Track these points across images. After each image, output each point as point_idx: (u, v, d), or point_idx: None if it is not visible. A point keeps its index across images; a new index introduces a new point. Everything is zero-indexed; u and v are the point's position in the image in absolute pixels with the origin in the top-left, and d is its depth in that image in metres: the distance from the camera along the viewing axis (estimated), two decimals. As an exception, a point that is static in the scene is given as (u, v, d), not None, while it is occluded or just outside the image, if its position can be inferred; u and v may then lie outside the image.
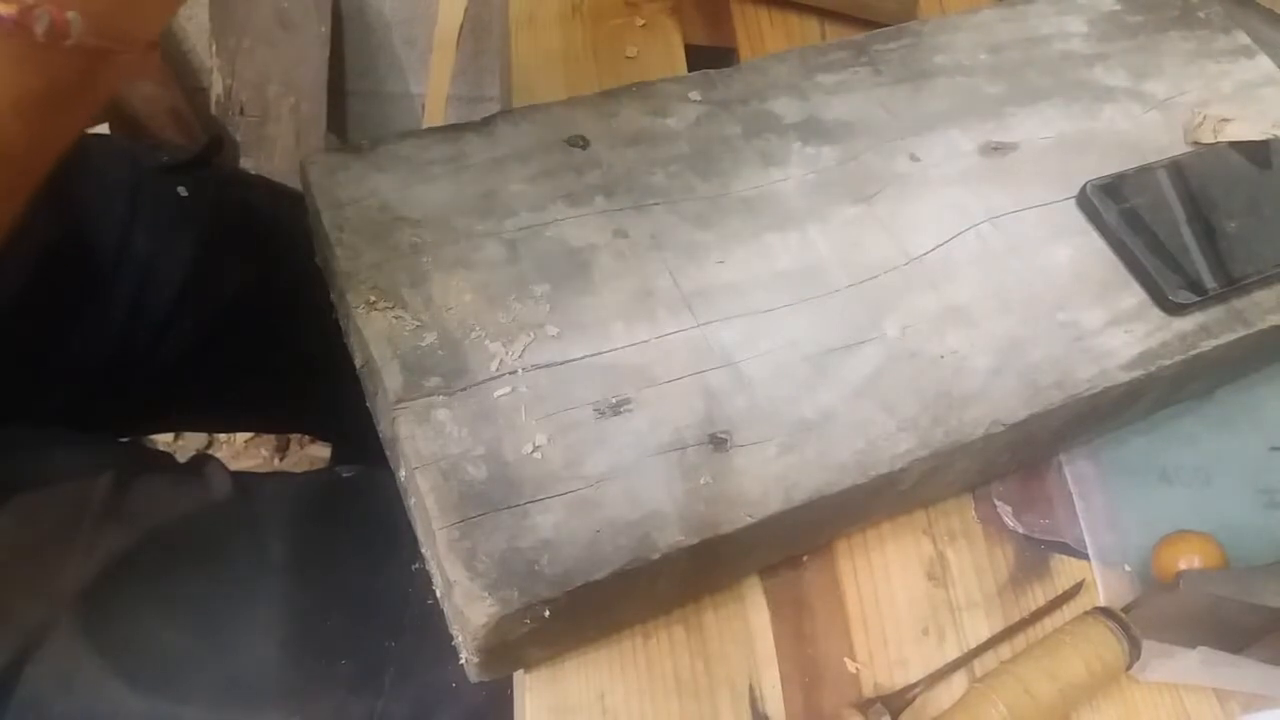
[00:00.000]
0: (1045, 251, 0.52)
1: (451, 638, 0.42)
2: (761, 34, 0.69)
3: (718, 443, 0.43)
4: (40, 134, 0.35)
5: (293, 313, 0.69)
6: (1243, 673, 0.46)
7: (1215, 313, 0.51)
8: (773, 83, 0.57)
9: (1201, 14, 0.65)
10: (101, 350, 0.65)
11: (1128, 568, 0.50)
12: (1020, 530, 0.51)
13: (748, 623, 0.46)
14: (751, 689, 0.45)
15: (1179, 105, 0.60)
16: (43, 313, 0.62)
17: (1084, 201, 0.54)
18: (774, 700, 0.44)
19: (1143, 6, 0.65)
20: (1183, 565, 0.47)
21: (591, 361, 0.45)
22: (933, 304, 0.49)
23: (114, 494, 0.54)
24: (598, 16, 0.68)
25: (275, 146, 1.20)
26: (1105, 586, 0.49)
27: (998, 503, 0.51)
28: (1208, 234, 0.54)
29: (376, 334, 0.44)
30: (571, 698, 0.43)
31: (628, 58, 0.66)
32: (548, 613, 0.39)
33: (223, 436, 1.30)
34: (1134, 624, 0.44)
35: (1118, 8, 0.64)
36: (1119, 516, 0.51)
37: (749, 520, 0.42)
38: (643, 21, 0.68)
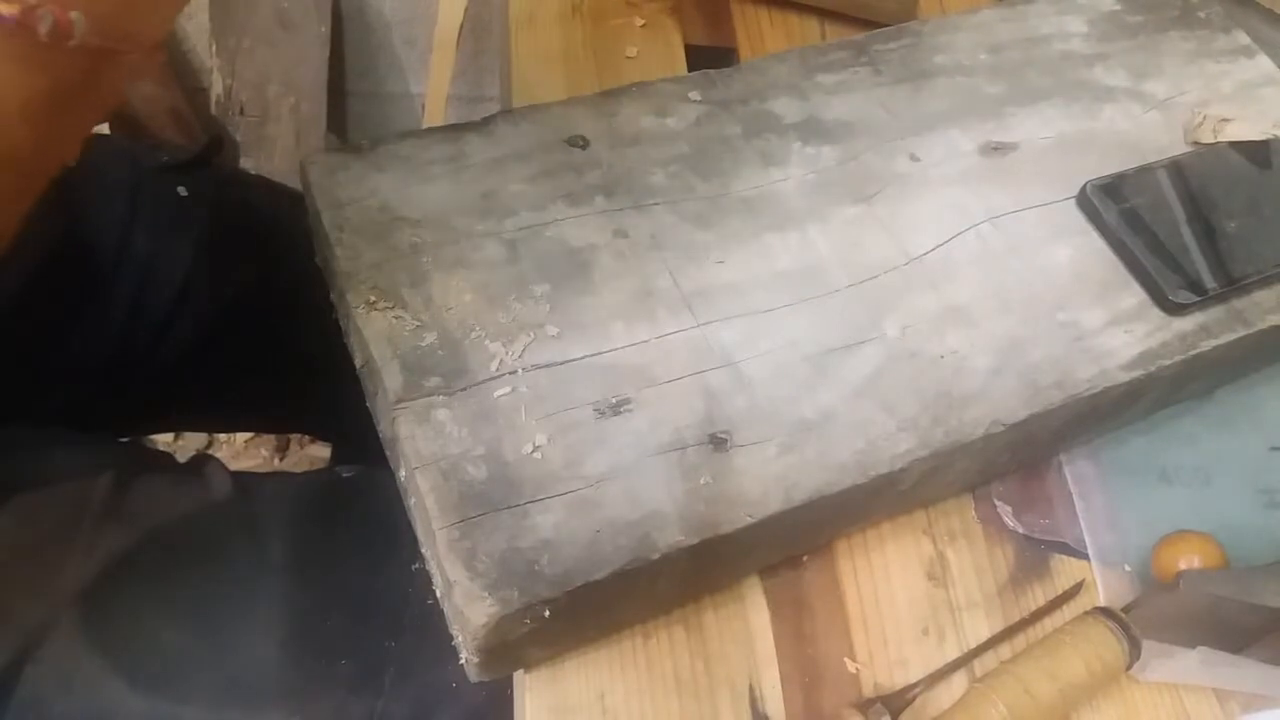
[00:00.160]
0: (1045, 251, 0.52)
1: (451, 638, 0.42)
2: (761, 34, 0.69)
3: (718, 443, 0.43)
4: (46, 136, 0.35)
5: (293, 313, 0.69)
6: (1243, 673, 0.46)
7: (1215, 313, 0.51)
8: (773, 83, 0.57)
9: (1201, 14, 0.65)
10: (101, 350, 0.65)
11: (1128, 568, 0.50)
12: (1020, 530, 0.51)
13: (748, 623, 0.46)
14: (751, 689, 0.45)
15: (1179, 105, 0.60)
16: (43, 313, 0.62)
17: (1084, 201, 0.54)
18: (774, 700, 0.44)
19: (1143, 6, 0.65)
20: (1183, 565, 0.47)
21: (591, 361, 0.45)
22: (933, 304, 0.49)
23: (114, 494, 0.54)
24: (598, 16, 0.68)
25: (275, 146, 1.20)
26: (1105, 586, 0.49)
27: (998, 503, 0.51)
28: (1208, 234, 0.54)
29: (376, 334, 0.44)
30: (571, 698, 0.43)
31: (628, 58, 0.66)
32: (548, 613, 0.39)
33: (223, 436, 1.30)
34: (1134, 624, 0.44)
35: (1118, 8, 0.64)
36: (1119, 516, 0.51)
37: (749, 520, 0.42)
38: (643, 21, 0.68)
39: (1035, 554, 0.50)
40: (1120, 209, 0.53)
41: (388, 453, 0.45)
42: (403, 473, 0.43)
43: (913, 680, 0.45)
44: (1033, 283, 0.51)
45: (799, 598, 0.47)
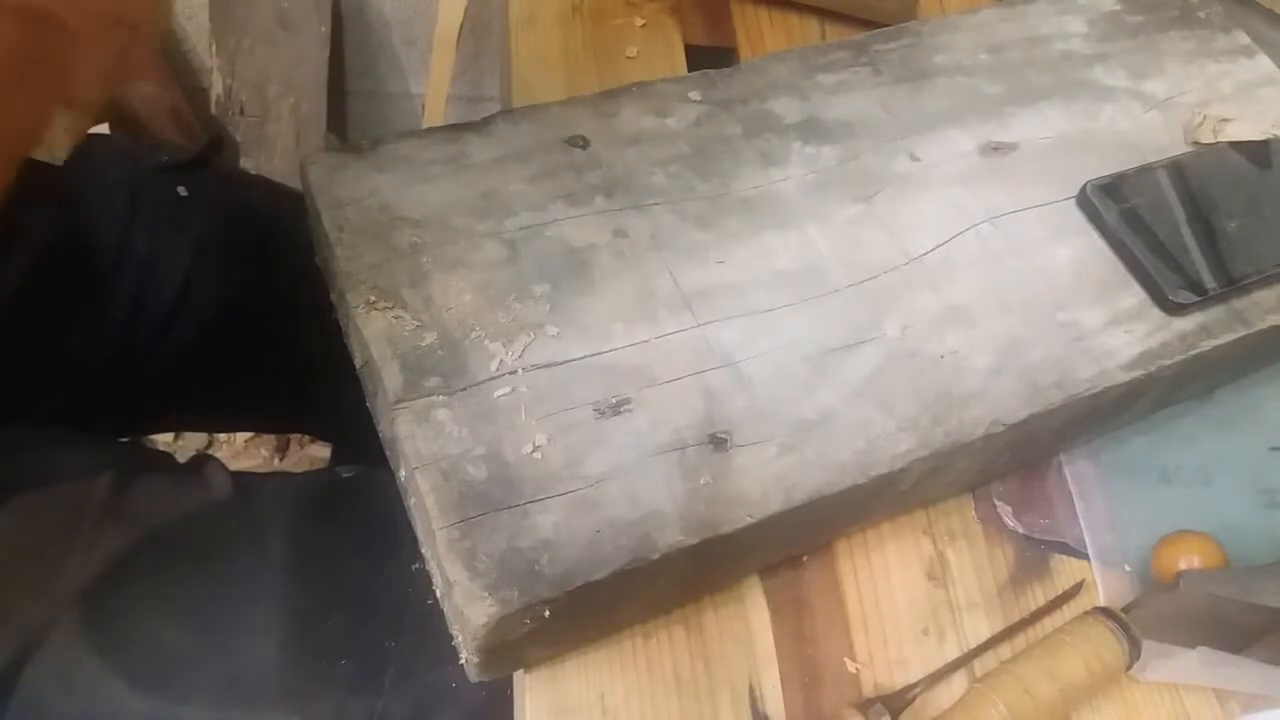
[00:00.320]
0: (1045, 251, 0.52)
1: (451, 638, 0.42)
2: (761, 34, 0.69)
3: (718, 443, 0.43)
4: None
5: (293, 313, 0.69)
6: (1243, 673, 0.46)
7: (1215, 313, 0.51)
8: (773, 83, 0.57)
9: (1201, 14, 0.65)
10: (101, 350, 0.65)
11: (1128, 568, 0.50)
12: (1020, 530, 0.51)
13: (748, 623, 0.46)
14: (751, 689, 0.45)
15: (1179, 105, 0.60)
16: (43, 313, 0.62)
17: (1084, 201, 0.54)
18: (774, 700, 0.44)
19: (1143, 6, 0.64)
20: (1183, 565, 0.47)
21: (591, 361, 0.45)
22: (933, 304, 0.49)
23: (114, 494, 0.54)
24: (598, 16, 0.68)
25: (275, 146, 1.20)
26: (1105, 586, 0.49)
27: (998, 503, 0.51)
28: (1208, 234, 0.54)
29: (376, 334, 0.44)
30: (571, 698, 0.43)
31: (628, 58, 0.66)
32: (548, 613, 0.39)
33: (223, 436, 1.30)
34: (1134, 624, 0.44)
35: (1118, 8, 0.64)
36: (1119, 516, 0.51)
37: (749, 520, 0.42)
38: (643, 21, 0.68)
39: (1035, 554, 0.50)
40: (1120, 209, 0.53)
41: (388, 453, 0.45)
42: (403, 473, 0.43)
43: (913, 680, 0.45)
44: (1033, 283, 0.51)
45: (799, 598, 0.47)
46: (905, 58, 0.59)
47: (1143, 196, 0.54)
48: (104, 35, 0.35)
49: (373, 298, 0.45)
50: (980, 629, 0.48)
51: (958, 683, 0.46)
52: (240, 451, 1.30)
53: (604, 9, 0.68)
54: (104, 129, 0.64)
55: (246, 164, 1.20)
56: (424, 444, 0.41)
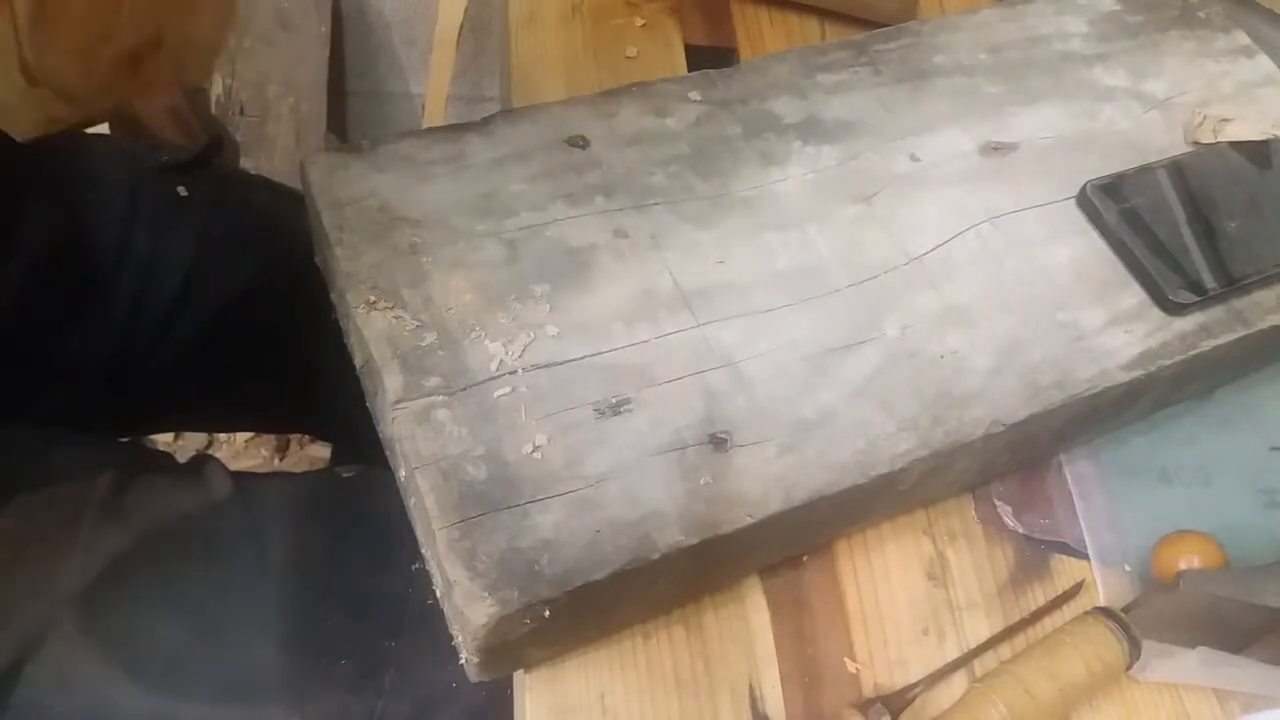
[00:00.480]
0: (1045, 251, 0.52)
1: (451, 638, 0.42)
2: (761, 34, 0.69)
3: (718, 443, 0.43)
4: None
5: (293, 313, 0.69)
6: (1243, 673, 0.46)
7: (1215, 313, 0.51)
8: (773, 83, 0.57)
9: (1201, 14, 0.65)
10: (101, 350, 0.65)
11: (1128, 568, 0.50)
12: (1020, 530, 0.51)
13: (748, 623, 0.46)
14: (751, 689, 0.45)
15: (1179, 105, 0.60)
16: (43, 313, 0.62)
17: (1084, 201, 0.54)
18: (774, 700, 0.44)
19: (1143, 6, 0.64)
20: (1183, 565, 0.47)
21: (591, 361, 0.44)
22: (933, 304, 0.49)
23: (114, 494, 0.54)
24: (598, 16, 0.68)
25: (275, 146, 1.20)
26: (1105, 586, 0.49)
27: (998, 503, 0.51)
28: (1208, 234, 0.54)
29: (376, 334, 0.44)
30: (571, 698, 0.43)
31: (628, 58, 0.66)
32: (548, 613, 0.39)
33: (223, 436, 1.30)
34: (1134, 624, 0.44)
35: (1118, 8, 0.64)
36: (1119, 516, 0.51)
37: (749, 520, 0.42)
38: (643, 21, 0.68)
39: (1035, 554, 0.50)
40: (1120, 209, 0.53)
41: (388, 453, 0.45)
42: (403, 473, 0.43)
43: (913, 680, 0.45)
44: (1033, 283, 0.51)
45: (799, 598, 0.47)
46: (905, 58, 0.59)
47: (1143, 196, 0.54)
48: None
49: (373, 298, 0.45)
50: (980, 629, 0.48)
51: (958, 683, 0.46)
52: (240, 451, 1.30)
53: (604, 9, 0.68)
54: (104, 129, 0.64)
55: (246, 164, 1.20)
56: (424, 444, 0.41)
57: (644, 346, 0.45)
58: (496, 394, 0.43)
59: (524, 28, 0.67)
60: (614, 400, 0.44)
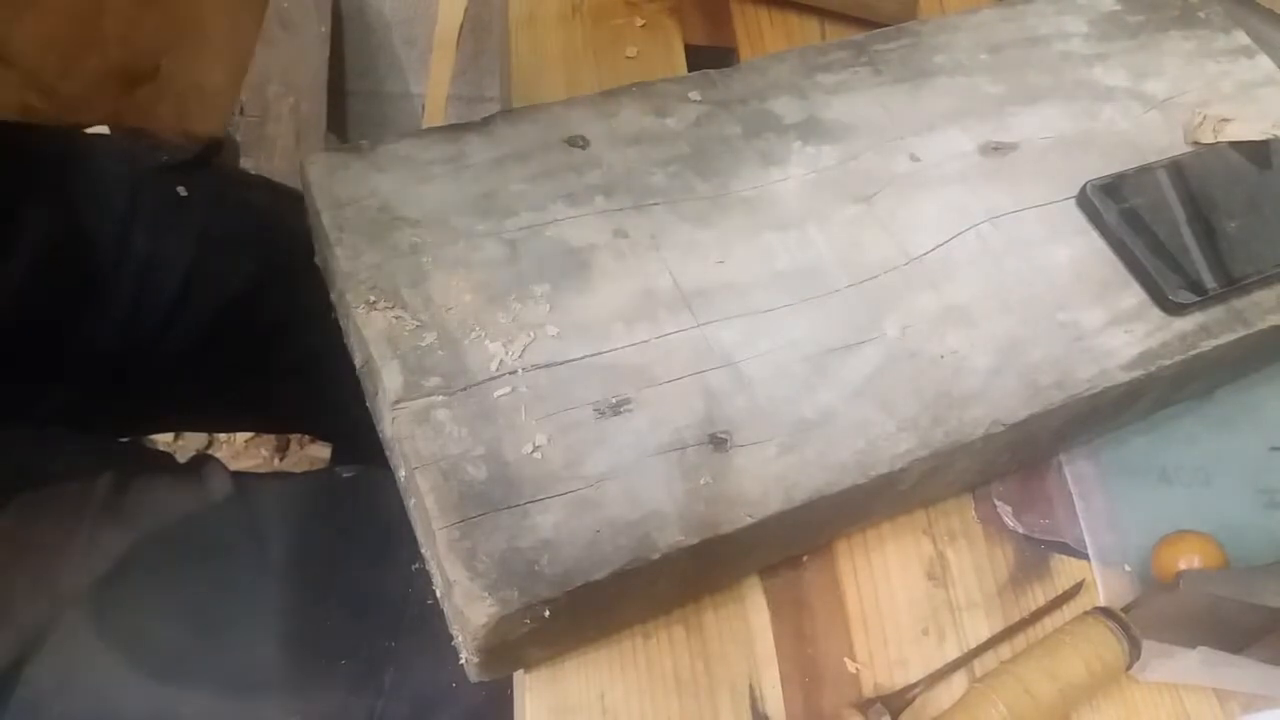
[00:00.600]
0: (1045, 251, 0.52)
1: (451, 638, 0.42)
2: (761, 34, 0.69)
3: (718, 443, 0.43)
4: None
5: (293, 313, 0.69)
6: (1243, 673, 0.46)
7: (1215, 313, 0.51)
8: (773, 83, 0.57)
9: (1201, 14, 0.65)
10: (101, 350, 0.65)
11: (1128, 568, 0.50)
12: (1020, 530, 0.51)
13: (748, 623, 0.46)
14: (751, 689, 0.45)
15: (1179, 105, 0.60)
16: (43, 312, 0.62)
17: (1084, 201, 0.54)
18: (774, 700, 0.44)
19: (1143, 6, 0.64)
20: (1183, 565, 0.47)
21: (591, 361, 0.44)
22: (933, 304, 0.49)
23: (114, 494, 0.54)
24: (598, 16, 0.68)
25: (275, 146, 1.20)
26: (1105, 586, 0.49)
27: (998, 503, 0.51)
28: (1208, 234, 0.54)
29: (376, 334, 0.44)
30: (571, 698, 0.43)
31: (628, 58, 0.66)
32: (548, 613, 0.39)
33: (223, 436, 1.30)
34: (1134, 624, 0.44)
35: (1118, 8, 0.64)
36: (1119, 516, 0.51)
37: (749, 520, 0.42)
38: (643, 21, 0.68)
39: (1035, 554, 0.50)
40: (1120, 209, 0.53)
41: (388, 453, 0.45)
42: (403, 473, 0.43)
43: (913, 680, 0.45)
44: (1033, 283, 0.51)
45: (799, 598, 0.47)
46: (905, 58, 0.59)
47: (1143, 196, 0.54)
48: None
49: (373, 298, 0.45)
50: (980, 629, 0.48)
51: (958, 683, 0.46)
52: (240, 451, 1.30)
53: (604, 9, 0.68)
54: (104, 129, 0.64)
55: (246, 164, 1.20)
56: (424, 444, 0.41)
57: (644, 346, 0.45)
58: (496, 394, 0.43)
59: (524, 28, 0.67)
60: (614, 400, 0.44)
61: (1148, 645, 0.45)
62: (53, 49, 0.37)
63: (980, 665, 0.46)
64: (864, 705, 0.44)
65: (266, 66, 1.18)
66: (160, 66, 0.39)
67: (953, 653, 0.47)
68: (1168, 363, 0.49)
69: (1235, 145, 0.57)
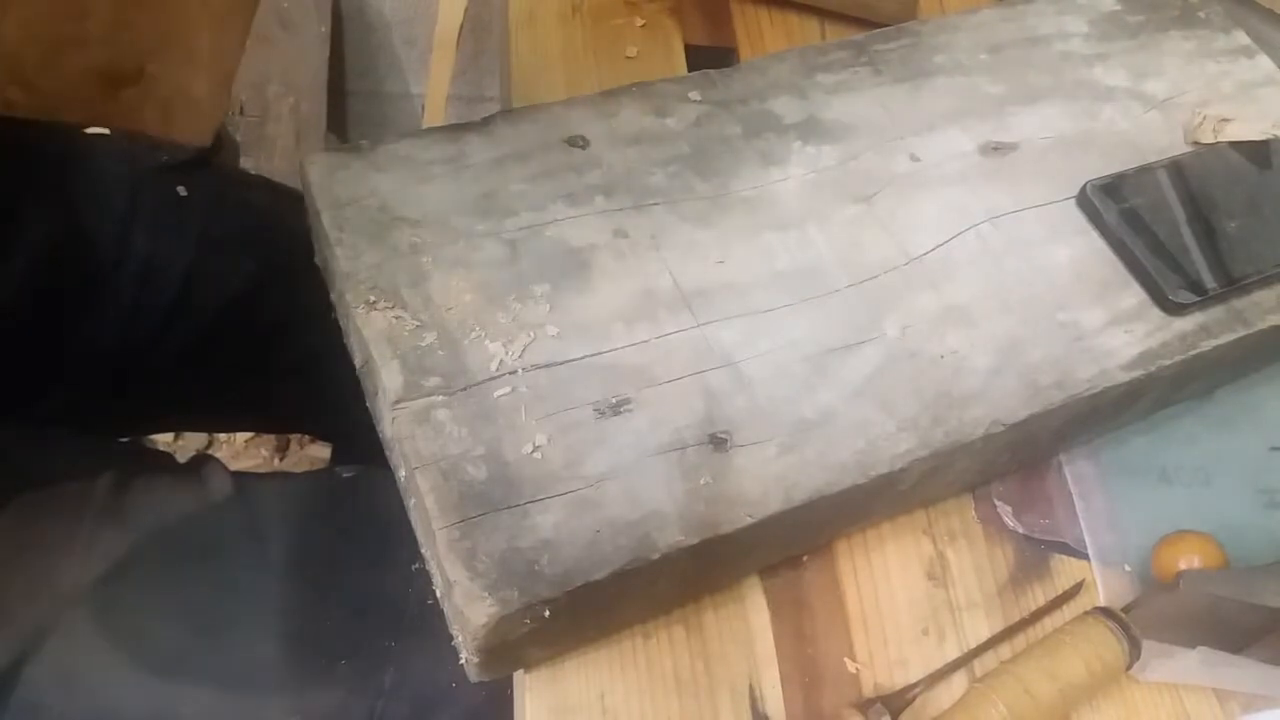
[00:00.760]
0: (1045, 251, 0.52)
1: (451, 638, 0.42)
2: (761, 34, 0.69)
3: (718, 443, 0.43)
4: None
5: (293, 313, 0.69)
6: (1243, 673, 0.46)
7: (1215, 313, 0.51)
8: (773, 83, 0.57)
9: (1201, 14, 0.65)
10: (101, 350, 0.65)
11: (1128, 568, 0.50)
12: (1020, 530, 0.51)
13: (748, 623, 0.46)
14: (751, 689, 0.45)
15: (1179, 105, 0.60)
16: (43, 313, 0.62)
17: (1084, 201, 0.54)
18: (774, 700, 0.44)
19: (1143, 6, 0.64)
20: (1183, 565, 0.47)
21: (591, 361, 0.44)
22: (933, 304, 0.49)
23: (114, 494, 0.54)
24: (598, 16, 0.68)
25: (275, 146, 1.20)
26: (1105, 586, 0.49)
27: (998, 503, 0.51)
28: (1208, 234, 0.54)
29: (376, 334, 0.44)
30: (571, 698, 0.43)
31: (628, 58, 0.66)
32: (548, 613, 0.39)
33: (223, 436, 1.30)
34: (1134, 624, 0.44)
35: (1118, 8, 0.64)
36: (1119, 516, 0.51)
37: (749, 520, 0.42)
38: (643, 21, 0.68)
39: (1035, 554, 0.50)
40: (1120, 209, 0.53)
41: (388, 453, 0.45)
42: (403, 473, 0.43)
43: (913, 680, 0.45)
44: (1033, 283, 0.51)
45: (799, 598, 0.47)
46: (905, 58, 0.59)
47: (1143, 196, 0.54)
48: None
49: (373, 298, 0.45)
50: (980, 629, 0.48)
51: (958, 683, 0.46)
52: (240, 451, 1.30)
53: (604, 9, 0.68)
54: (104, 129, 0.64)
55: (246, 164, 1.20)
56: (424, 444, 0.41)
57: (644, 346, 0.45)
58: (496, 394, 0.43)
59: (524, 28, 0.67)
60: (614, 400, 0.44)
61: (1148, 645, 0.45)
62: (34, 42, 0.37)
63: (980, 665, 0.46)
64: (864, 705, 0.44)
65: (266, 66, 1.18)
66: (145, 70, 0.39)
67: (953, 653, 0.47)
68: (1168, 363, 0.49)
69: (1235, 145, 0.57)
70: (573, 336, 0.45)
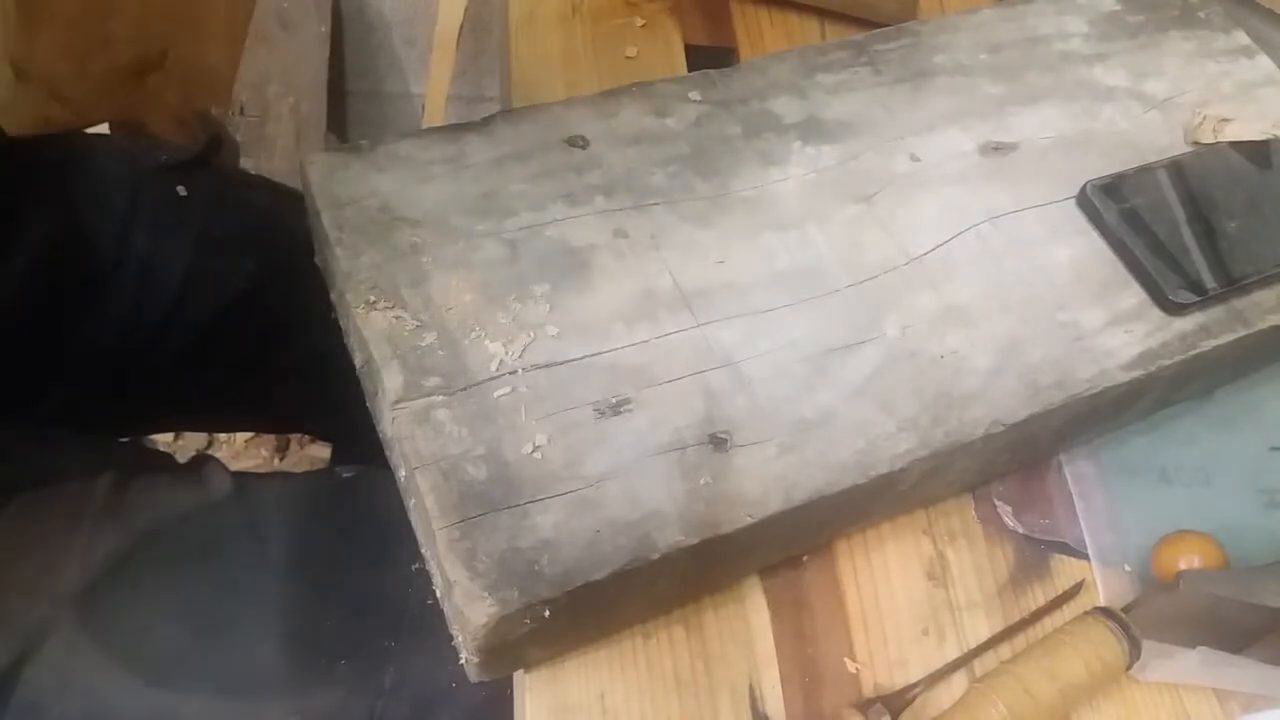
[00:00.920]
0: (1045, 251, 0.52)
1: (451, 638, 0.42)
2: (761, 34, 0.69)
3: (718, 443, 0.43)
4: None
5: (293, 313, 0.69)
6: (1243, 673, 0.46)
7: (1215, 313, 0.51)
8: (773, 83, 0.57)
9: (1201, 14, 0.65)
10: (101, 350, 0.65)
11: (1128, 568, 0.50)
12: (1020, 530, 0.51)
13: (748, 623, 0.46)
14: (751, 689, 0.45)
15: (1179, 105, 0.60)
16: (43, 313, 0.62)
17: (1084, 201, 0.54)
18: (774, 700, 0.44)
19: (1143, 6, 0.64)
20: (1183, 565, 0.47)
21: (591, 361, 0.44)
22: (933, 304, 0.49)
23: (114, 494, 0.54)
24: (598, 16, 0.68)
25: (275, 146, 1.20)
26: (1105, 586, 0.49)
27: (998, 503, 0.51)
28: (1208, 234, 0.54)
29: (376, 334, 0.44)
30: (571, 698, 0.43)
31: (628, 58, 0.66)
32: (548, 613, 0.39)
33: (223, 436, 1.30)
34: (1134, 624, 0.44)
35: (1118, 8, 0.64)
36: (1119, 516, 0.51)
37: (749, 520, 0.42)
38: (643, 21, 0.68)
39: (1035, 554, 0.50)
40: (1120, 209, 0.53)
41: (388, 453, 0.45)
42: (403, 473, 0.43)
43: (913, 680, 0.45)
44: (1033, 283, 0.51)
45: (799, 598, 0.47)
46: (905, 58, 0.59)
47: (1143, 196, 0.54)
48: None
49: (373, 298, 0.45)
50: (980, 629, 0.48)
51: (958, 683, 0.46)
52: (240, 451, 1.30)
53: (604, 9, 0.68)
54: (104, 129, 0.64)
55: (246, 164, 1.20)
56: (424, 444, 0.41)
57: (644, 346, 0.45)
58: (496, 394, 0.43)
59: (524, 28, 0.67)
60: (614, 400, 0.44)
61: (1148, 645, 0.45)
62: (66, 55, 0.38)
63: (980, 665, 0.46)
64: (864, 705, 0.44)
65: (266, 66, 1.18)
66: (168, 53, 0.39)
67: (953, 653, 0.47)
68: (1168, 363, 0.49)
69: (1235, 145, 0.57)
70: (573, 336, 0.45)
